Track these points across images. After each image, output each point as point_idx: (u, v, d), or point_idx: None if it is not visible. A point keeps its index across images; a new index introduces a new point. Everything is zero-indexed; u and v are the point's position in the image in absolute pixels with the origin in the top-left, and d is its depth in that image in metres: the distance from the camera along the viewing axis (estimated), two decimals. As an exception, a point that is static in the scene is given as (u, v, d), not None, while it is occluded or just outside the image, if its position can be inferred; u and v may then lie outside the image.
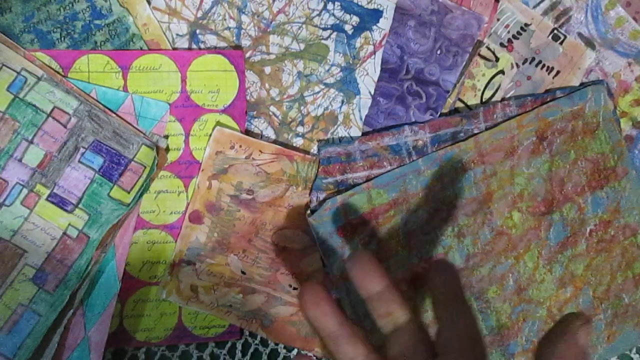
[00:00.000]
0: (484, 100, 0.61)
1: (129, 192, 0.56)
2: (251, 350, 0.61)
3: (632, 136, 0.63)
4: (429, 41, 0.59)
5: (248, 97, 0.59)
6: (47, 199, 0.55)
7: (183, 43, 0.58)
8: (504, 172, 0.60)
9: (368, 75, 0.60)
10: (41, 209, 0.55)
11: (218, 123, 0.58)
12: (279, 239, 0.59)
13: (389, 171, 0.58)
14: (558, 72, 0.61)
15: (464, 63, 0.60)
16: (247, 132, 0.59)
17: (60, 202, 0.55)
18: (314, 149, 0.60)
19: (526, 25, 0.60)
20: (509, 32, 0.60)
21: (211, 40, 0.58)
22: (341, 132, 0.60)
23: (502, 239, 0.60)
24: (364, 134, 0.60)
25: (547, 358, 0.37)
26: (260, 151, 0.58)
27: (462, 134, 0.59)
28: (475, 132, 0.59)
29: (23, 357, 0.54)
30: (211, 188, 0.58)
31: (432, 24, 0.59)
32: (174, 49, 0.58)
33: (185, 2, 0.58)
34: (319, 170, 0.58)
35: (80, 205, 0.55)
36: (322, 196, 0.58)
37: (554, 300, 0.61)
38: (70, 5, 0.56)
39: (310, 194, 0.59)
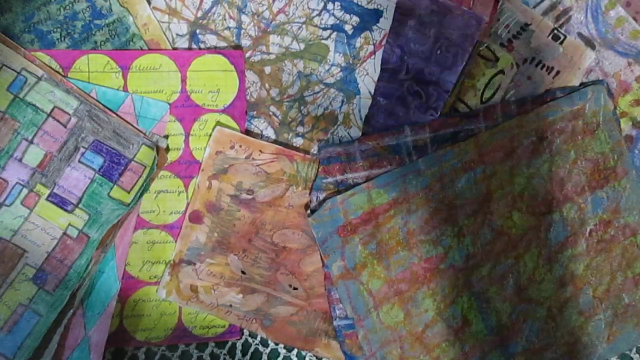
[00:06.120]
0: (484, 100, 0.61)
1: (129, 192, 0.56)
2: (251, 350, 0.61)
3: (632, 136, 0.63)
4: (429, 41, 0.59)
5: (248, 97, 0.59)
6: (47, 199, 0.55)
7: (183, 43, 0.58)
8: (504, 172, 0.60)
9: (368, 75, 0.60)
10: (41, 208, 0.55)
11: (218, 123, 0.58)
12: (279, 239, 0.59)
13: (389, 171, 0.58)
14: (558, 72, 0.61)
15: (464, 63, 0.60)
16: (247, 132, 0.59)
17: (60, 202, 0.55)
18: (314, 149, 0.60)
19: (526, 25, 0.60)
20: (509, 32, 0.60)
21: (211, 40, 0.58)
22: (341, 132, 0.60)
23: (502, 239, 0.60)
24: (364, 134, 0.60)
25: None
26: (260, 151, 0.58)
27: (462, 134, 0.59)
28: (475, 132, 0.59)
29: (23, 357, 0.54)
30: (211, 188, 0.58)
31: (432, 24, 0.59)
32: (174, 49, 0.58)
33: (185, 2, 0.58)
34: (319, 170, 0.58)
35: (80, 205, 0.55)
36: (322, 196, 0.58)
37: (554, 300, 0.61)
38: (70, 5, 0.56)
39: (310, 194, 0.59)
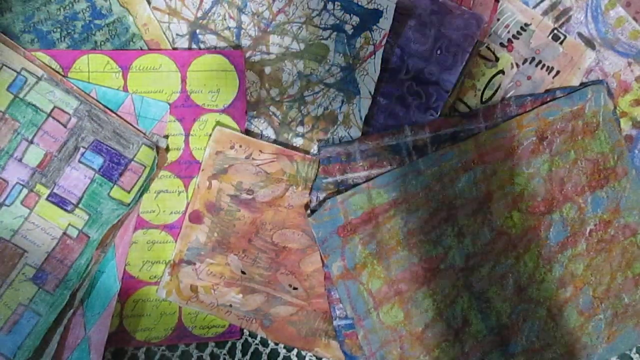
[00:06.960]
0: (484, 100, 0.61)
1: (129, 192, 0.56)
2: (251, 350, 0.61)
3: (632, 136, 0.63)
4: (429, 41, 0.59)
5: (248, 97, 0.59)
6: (47, 199, 0.55)
7: (183, 43, 0.58)
8: (504, 172, 0.60)
9: (368, 75, 0.60)
10: (41, 208, 0.55)
11: (218, 123, 0.58)
12: (279, 239, 0.59)
13: (389, 171, 0.58)
14: (558, 72, 0.61)
15: (464, 63, 0.60)
16: (247, 132, 0.59)
17: (60, 202, 0.55)
18: (314, 149, 0.60)
19: (526, 25, 0.60)
20: (509, 32, 0.60)
21: (211, 40, 0.58)
22: (341, 132, 0.60)
23: (502, 238, 0.60)
24: (364, 134, 0.60)
25: None
26: (260, 151, 0.58)
27: (462, 134, 0.59)
28: (475, 132, 0.59)
29: (23, 357, 0.54)
30: (211, 188, 0.58)
31: (432, 24, 0.59)
32: (174, 49, 0.58)
33: (185, 2, 0.58)
34: (319, 170, 0.58)
35: (80, 205, 0.55)
36: (322, 196, 0.58)
37: (554, 300, 0.61)
38: (70, 5, 0.56)
39: (310, 194, 0.59)
